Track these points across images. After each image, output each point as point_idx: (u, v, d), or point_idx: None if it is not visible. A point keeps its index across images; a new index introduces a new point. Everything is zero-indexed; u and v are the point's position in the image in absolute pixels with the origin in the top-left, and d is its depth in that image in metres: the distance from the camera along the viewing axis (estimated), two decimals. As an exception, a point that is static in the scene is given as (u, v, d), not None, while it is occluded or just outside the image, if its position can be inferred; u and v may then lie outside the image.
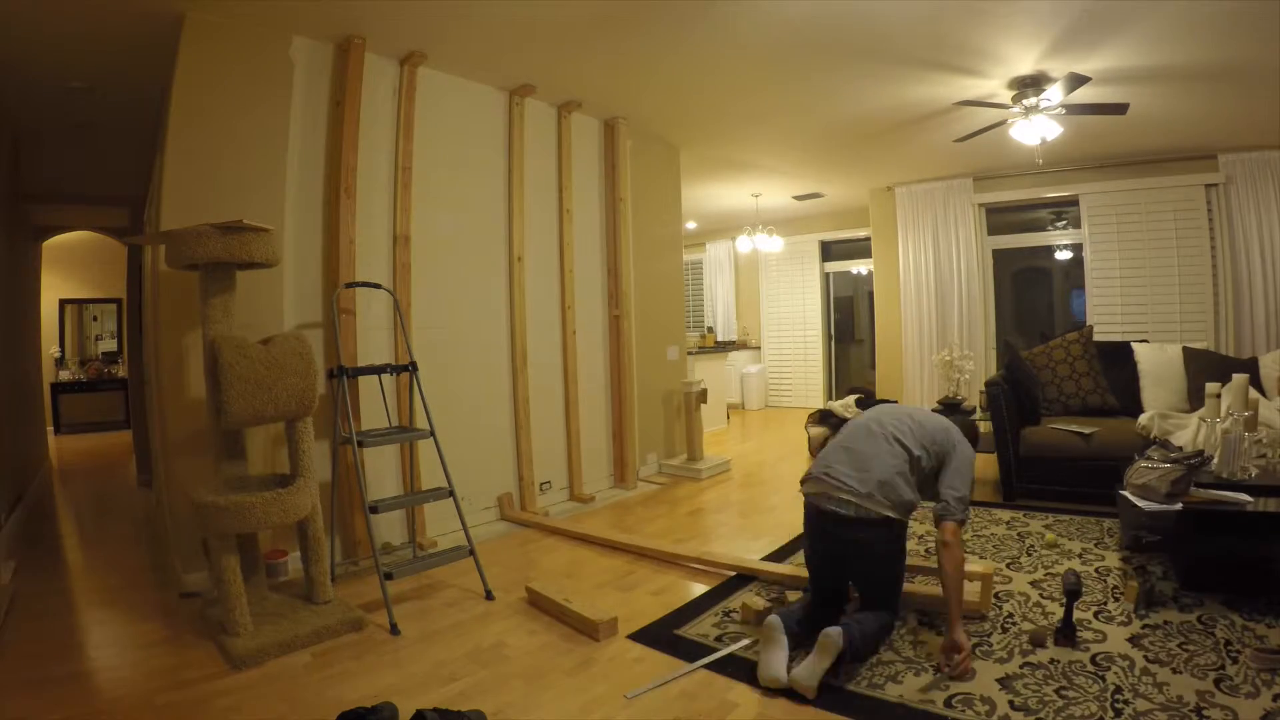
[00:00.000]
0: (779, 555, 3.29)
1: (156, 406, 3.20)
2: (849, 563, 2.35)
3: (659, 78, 4.04)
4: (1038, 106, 4.01)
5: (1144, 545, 2.97)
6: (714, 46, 3.57)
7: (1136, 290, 5.82)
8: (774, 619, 2.16)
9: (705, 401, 5.36)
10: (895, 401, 3.49)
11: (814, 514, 2.39)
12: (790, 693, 2.01)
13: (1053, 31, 3.37)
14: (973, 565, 2.55)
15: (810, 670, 2.00)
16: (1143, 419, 3.79)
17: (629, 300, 4.78)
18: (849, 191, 7.35)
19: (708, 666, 2.21)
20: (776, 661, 2.07)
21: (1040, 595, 2.66)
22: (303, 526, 2.67)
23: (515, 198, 4.12)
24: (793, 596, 2.70)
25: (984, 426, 4.72)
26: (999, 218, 6.72)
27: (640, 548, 3.38)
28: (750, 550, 3.38)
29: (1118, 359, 4.56)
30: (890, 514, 2.25)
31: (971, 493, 2.39)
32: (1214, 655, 2.11)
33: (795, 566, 3.04)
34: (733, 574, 3.05)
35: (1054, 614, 2.48)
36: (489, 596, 2.85)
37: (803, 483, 2.51)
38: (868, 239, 7.55)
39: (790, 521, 3.87)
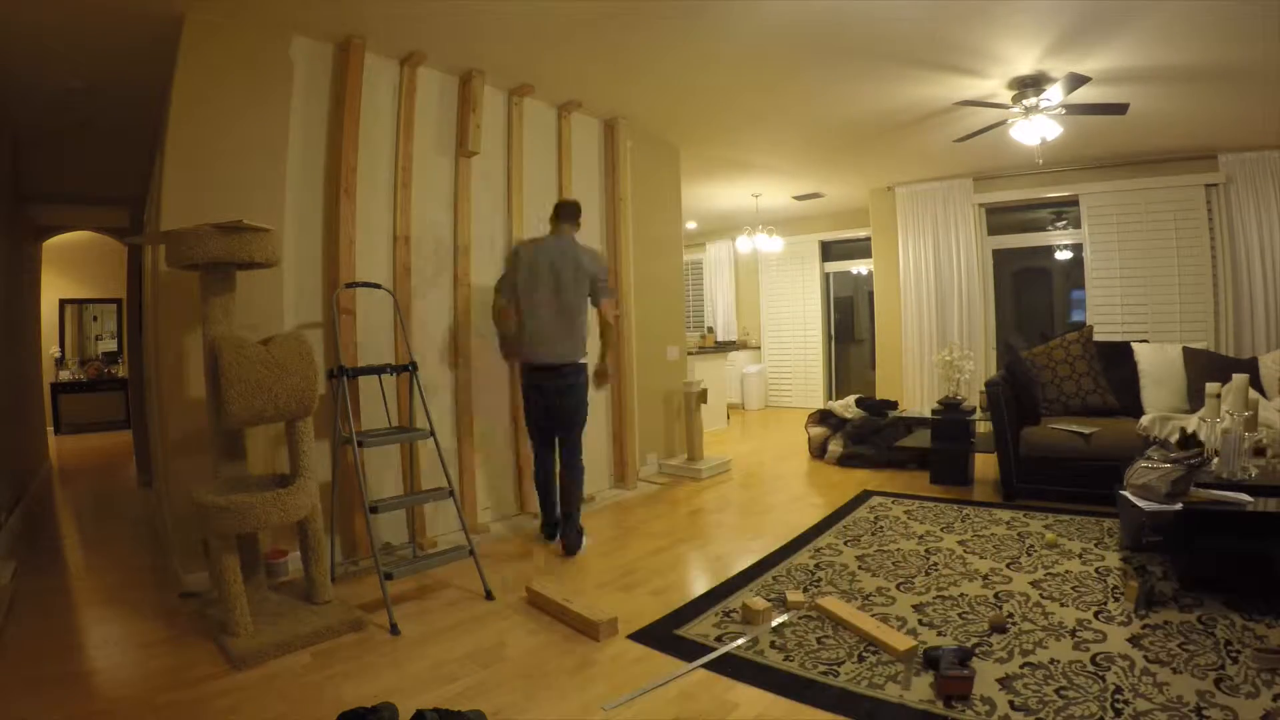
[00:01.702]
0: (780, 555, 3.29)
1: (156, 406, 3.20)
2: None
3: (659, 77, 4.04)
4: (1038, 106, 4.01)
5: (1144, 545, 2.97)
6: (714, 46, 3.57)
7: (1136, 290, 5.82)
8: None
9: (705, 402, 5.36)
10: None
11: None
12: (787, 689, 2.02)
13: (1053, 31, 3.37)
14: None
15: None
16: (1144, 420, 3.79)
17: (629, 300, 4.78)
18: (849, 191, 7.35)
19: (706, 666, 2.21)
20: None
21: (1040, 595, 2.66)
22: (303, 526, 2.67)
23: (515, 197, 4.12)
24: (793, 596, 2.70)
25: (984, 426, 4.72)
26: (999, 218, 6.72)
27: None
28: (750, 550, 3.38)
29: (1118, 359, 4.56)
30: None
31: None
32: (1214, 655, 2.11)
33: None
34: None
35: (1053, 614, 2.48)
36: (489, 596, 2.85)
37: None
38: (868, 239, 7.56)
39: (791, 521, 3.87)
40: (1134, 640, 2.24)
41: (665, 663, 2.26)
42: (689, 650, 2.33)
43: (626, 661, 2.29)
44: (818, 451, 5.65)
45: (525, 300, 3.42)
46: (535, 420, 3.59)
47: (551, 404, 3.48)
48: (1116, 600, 2.58)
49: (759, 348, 9.28)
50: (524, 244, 3.56)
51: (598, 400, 4.69)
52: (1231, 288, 5.42)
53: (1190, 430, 3.28)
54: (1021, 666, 2.11)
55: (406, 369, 3.28)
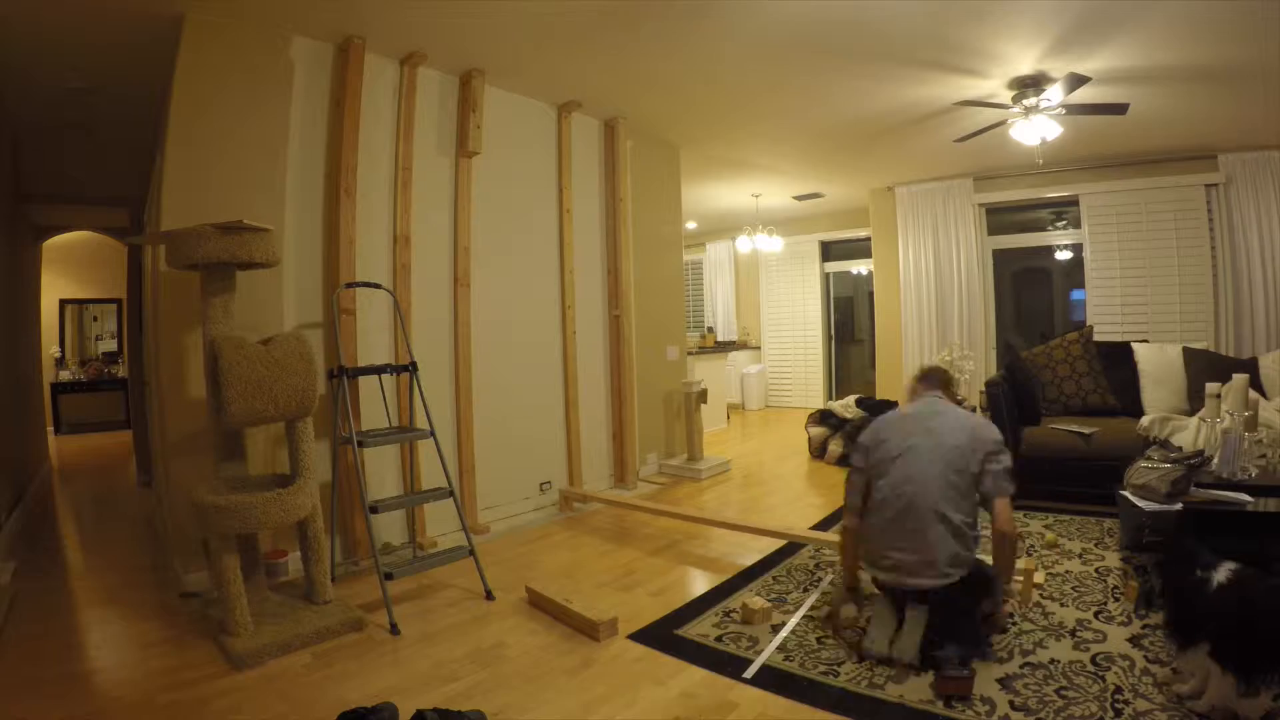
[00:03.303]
0: (779, 556, 3.29)
1: (156, 406, 3.20)
2: None
3: (659, 78, 4.03)
4: (1038, 106, 4.01)
5: (1144, 545, 2.97)
6: (714, 46, 3.57)
7: (1136, 290, 5.82)
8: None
9: (705, 401, 5.36)
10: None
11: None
12: (787, 688, 2.02)
13: (1053, 31, 3.37)
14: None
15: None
16: (1144, 421, 3.79)
17: (629, 300, 4.78)
18: (849, 191, 7.35)
19: (710, 668, 2.21)
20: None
21: (1040, 595, 2.66)
22: (303, 526, 2.67)
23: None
24: (793, 598, 2.70)
25: (984, 426, 4.71)
26: (999, 218, 6.72)
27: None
28: (750, 550, 3.38)
29: (1118, 359, 4.56)
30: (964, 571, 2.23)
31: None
32: (1214, 655, 2.11)
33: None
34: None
35: (1054, 614, 2.48)
36: (489, 596, 2.85)
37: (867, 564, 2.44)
38: (868, 239, 7.55)
39: (791, 521, 3.86)
40: (1134, 640, 2.24)
41: (665, 663, 2.26)
42: (689, 650, 2.33)
43: (627, 661, 2.29)
44: (818, 451, 5.65)
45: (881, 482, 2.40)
46: None
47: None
48: (1116, 600, 2.58)
49: (759, 348, 9.28)
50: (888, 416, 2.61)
51: (598, 400, 4.69)
52: (1231, 288, 5.42)
53: (1180, 446, 3.28)
54: (1021, 666, 2.11)
55: (406, 369, 3.28)
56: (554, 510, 4.22)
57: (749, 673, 2.16)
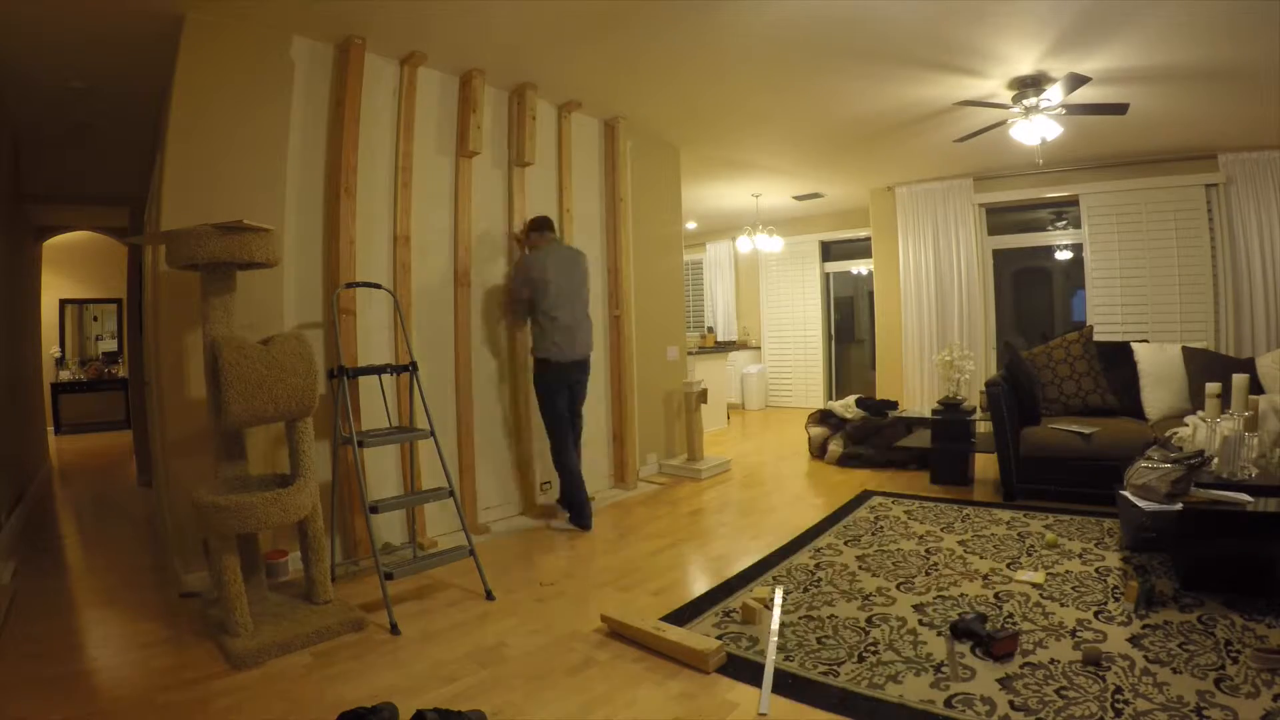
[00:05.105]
0: (780, 555, 3.29)
1: (156, 406, 3.20)
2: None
3: (659, 78, 4.04)
4: (1038, 106, 4.01)
5: (1144, 545, 2.97)
6: (714, 46, 3.57)
7: (1136, 290, 5.82)
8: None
9: (705, 401, 5.36)
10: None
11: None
12: (787, 688, 2.02)
13: (1053, 31, 3.37)
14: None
15: None
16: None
17: (629, 300, 4.78)
18: (849, 191, 7.35)
19: (719, 671, 2.21)
20: None
21: (1040, 596, 2.66)
22: (303, 526, 2.67)
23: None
24: (794, 598, 2.70)
25: (984, 427, 4.72)
26: (999, 218, 6.72)
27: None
28: (750, 550, 3.38)
29: (1118, 359, 4.56)
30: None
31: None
32: (1214, 655, 2.11)
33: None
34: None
35: (1054, 614, 2.48)
36: (489, 596, 2.85)
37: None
38: (868, 239, 7.55)
39: (791, 521, 3.87)
40: (1134, 640, 2.24)
41: (665, 663, 2.26)
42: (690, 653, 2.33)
43: (627, 661, 2.29)
44: (818, 451, 5.65)
45: (550, 302, 3.73)
46: (560, 413, 3.85)
47: (576, 394, 3.95)
48: (1116, 600, 2.58)
49: (759, 348, 9.28)
50: (536, 252, 3.86)
51: (598, 400, 4.69)
52: (1231, 288, 5.42)
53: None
54: (1021, 666, 2.11)
55: (406, 369, 3.28)
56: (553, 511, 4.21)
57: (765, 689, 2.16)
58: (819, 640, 2.37)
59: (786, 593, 2.80)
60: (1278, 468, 2.94)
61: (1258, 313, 5.32)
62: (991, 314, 6.65)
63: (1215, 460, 2.92)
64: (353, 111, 3.32)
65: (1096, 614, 2.47)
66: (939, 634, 2.37)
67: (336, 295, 3.19)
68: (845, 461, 5.36)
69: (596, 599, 2.82)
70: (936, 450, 4.67)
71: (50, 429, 7.52)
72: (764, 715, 1.93)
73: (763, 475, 5.26)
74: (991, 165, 6.19)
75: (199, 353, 2.84)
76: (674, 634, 2.33)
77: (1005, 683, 2.01)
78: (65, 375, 8.06)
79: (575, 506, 3.84)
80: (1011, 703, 1.90)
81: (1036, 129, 4.13)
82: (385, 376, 3.33)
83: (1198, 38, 3.41)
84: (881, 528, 3.68)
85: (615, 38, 3.45)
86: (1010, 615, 2.49)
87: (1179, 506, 2.62)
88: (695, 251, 9.56)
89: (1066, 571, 2.91)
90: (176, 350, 2.93)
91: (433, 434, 3.10)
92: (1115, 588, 2.70)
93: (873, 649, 2.29)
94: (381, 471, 3.46)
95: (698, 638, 2.31)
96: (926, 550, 3.27)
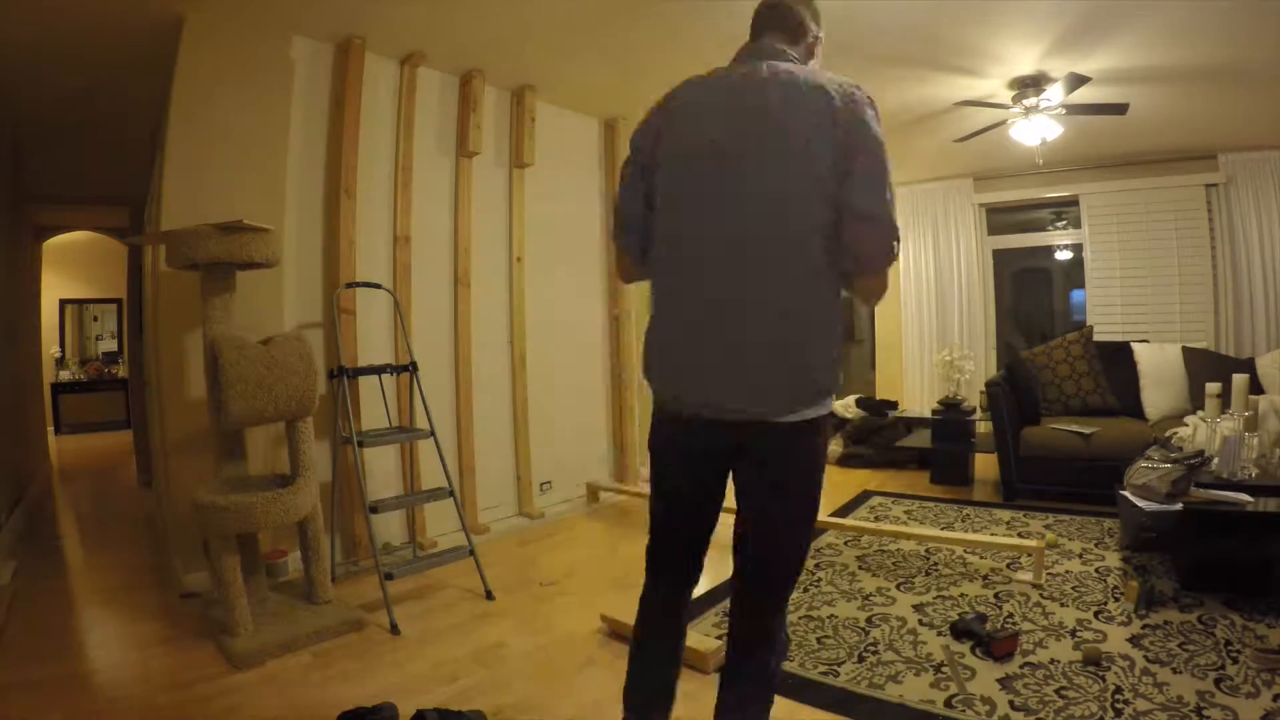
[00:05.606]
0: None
1: (156, 406, 3.20)
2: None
3: (659, 77, 3.99)
4: (1038, 106, 4.01)
5: (1144, 545, 2.97)
6: (714, 46, 3.56)
7: (1136, 290, 5.81)
8: None
9: (705, 401, 5.35)
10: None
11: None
12: (787, 688, 2.01)
13: (1053, 31, 3.37)
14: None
15: None
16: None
17: (630, 300, 4.78)
18: (849, 191, 7.34)
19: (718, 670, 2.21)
20: None
21: (1041, 596, 2.66)
22: (303, 526, 2.67)
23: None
24: (793, 598, 2.70)
25: (984, 426, 4.72)
26: (999, 218, 6.71)
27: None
28: (750, 550, 3.38)
29: (1118, 359, 4.56)
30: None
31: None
32: (1214, 655, 2.11)
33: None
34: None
35: (1054, 614, 2.48)
36: (489, 596, 2.85)
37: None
38: (868, 239, 7.54)
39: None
40: (1134, 640, 2.24)
41: (665, 663, 2.25)
42: (689, 651, 2.33)
43: (627, 661, 2.28)
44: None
45: (665, 230, 1.42)
46: (670, 516, 1.56)
47: (753, 497, 1.41)
48: (1116, 600, 2.58)
49: (759, 348, 9.26)
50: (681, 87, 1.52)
51: (598, 400, 4.69)
52: (1231, 288, 5.42)
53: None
54: (1021, 666, 2.11)
55: (407, 369, 3.28)
56: (555, 510, 4.21)
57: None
58: (819, 640, 2.37)
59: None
60: (1278, 468, 2.94)
61: (1258, 313, 5.31)
62: (991, 314, 6.64)
63: (1215, 460, 2.92)
64: (353, 111, 3.32)
65: (1096, 614, 2.47)
66: (939, 634, 2.37)
67: (336, 295, 3.19)
68: (845, 461, 5.36)
69: (597, 599, 2.82)
70: (936, 450, 4.67)
71: (50, 429, 7.52)
72: None
73: (763, 475, 5.25)
74: (991, 165, 6.18)
75: (199, 353, 2.84)
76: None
77: (1005, 683, 2.01)
78: (65, 375, 8.06)
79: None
80: (1011, 703, 1.90)
81: (1036, 129, 4.13)
82: (385, 376, 3.33)
83: (1198, 38, 3.41)
84: (882, 527, 3.67)
85: (615, 37, 3.45)
86: (1010, 615, 2.49)
87: (1179, 506, 2.62)
88: (695, 251, 9.53)
89: (1066, 571, 2.91)
90: (176, 350, 2.93)
91: (433, 434, 3.10)
92: (1115, 588, 2.70)
93: (873, 649, 2.29)
94: (381, 471, 3.46)
95: (698, 638, 2.30)
96: (926, 550, 3.27)
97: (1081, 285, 6.17)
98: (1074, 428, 4.00)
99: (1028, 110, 4.05)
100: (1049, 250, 6.82)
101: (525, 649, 2.40)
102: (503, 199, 4.11)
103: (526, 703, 2.04)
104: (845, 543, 3.43)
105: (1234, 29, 3.29)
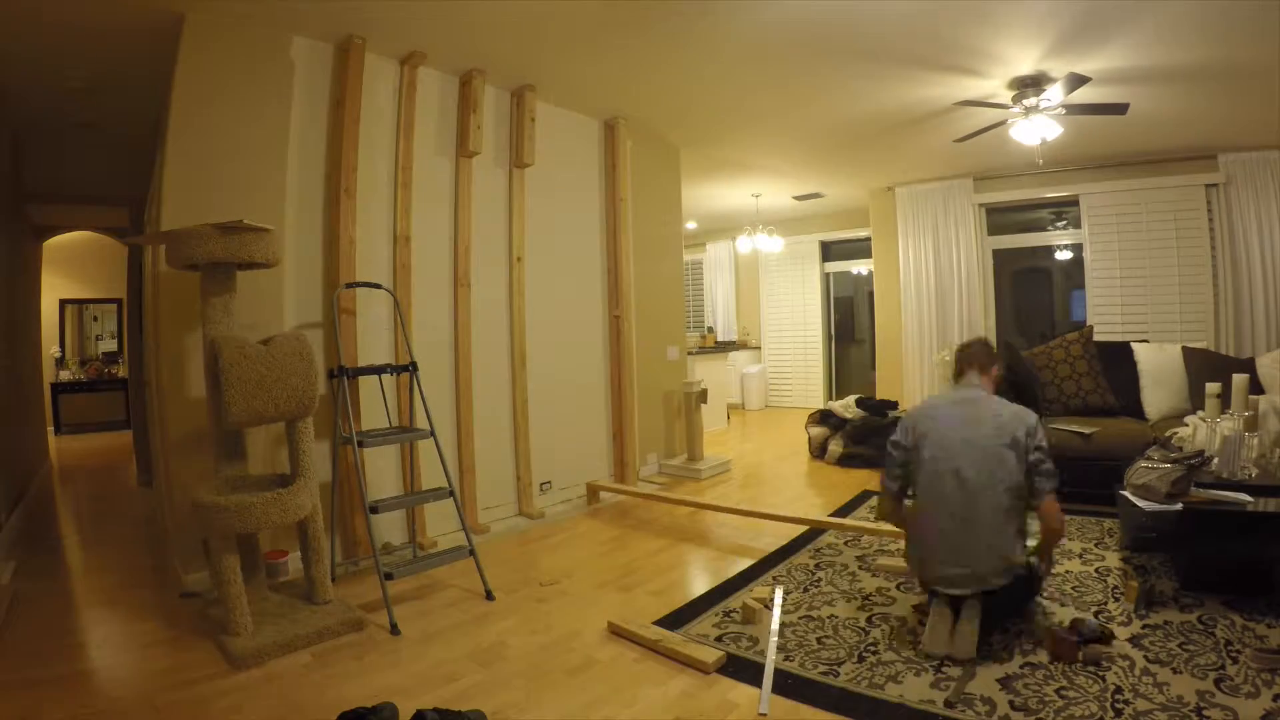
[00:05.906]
0: (780, 555, 3.29)
1: (156, 406, 3.20)
2: None
3: (659, 78, 4.03)
4: (1038, 106, 4.01)
5: (1144, 545, 2.97)
6: (715, 47, 3.57)
7: (1136, 290, 5.82)
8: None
9: (705, 401, 5.36)
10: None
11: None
12: (786, 688, 2.01)
13: (1053, 31, 3.37)
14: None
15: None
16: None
17: (629, 300, 4.78)
18: (849, 192, 7.35)
19: (720, 670, 2.21)
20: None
21: (1041, 596, 2.66)
22: (303, 526, 2.67)
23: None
24: (793, 598, 2.70)
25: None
26: (999, 218, 6.72)
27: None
28: (750, 550, 3.38)
29: (1118, 359, 4.56)
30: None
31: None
32: (1214, 655, 2.11)
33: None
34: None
35: (1054, 614, 2.48)
36: (489, 596, 2.85)
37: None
38: (868, 239, 7.55)
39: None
40: (1134, 640, 2.24)
41: (665, 663, 2.26)
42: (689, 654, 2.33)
43: (627, 661, 2.29)
44: (818, 451, 5.65)
45: (928, 468, 2.46)
46: None
47: None
48: (1116, 600, 2.58)
49: (759, 348, 9.27)
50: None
51: (598, 400, 4.69)
52: (1231, 288, 5.42)
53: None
54: (1021, 667, 2.11)
55: (407, 369, 3.28)
56: (555, 510, 4.21)
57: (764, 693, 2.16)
58: (819, 640, 2.37)
59: (786, 593, 2.80)
60: (1278, 468, 2.94)
61: (1258, 313, 5.32)
62: (991, 314, 6.65)
63: (1215, 460, 2.92)
64: (353, 111, 3.32)
65: (1096, 614, 2.46)
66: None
67: (336, 295, 3.19)
68: (845, 461, 5.36)
69: (597, 599, 2.82)
70: (936, 450, 4.66)
71: (50, 429, 7.52)
72: (764, 715, 1.93)
73: (763, 475, 5.25)
74: (991, 165, 6.19)
75: (199, 353, 2.84)
76: (676, 643, 2.33)
77: (1005, 683, 2.01)
78: (65, 375, 8.06)
79: None
80: (1012, 703, 1.90)
81: (1036, 129, 4.13)
82: (385, 376, 3.33)
83: (1198, 38, 3.41)
84: (882, 527, 3.67)
85: (616, 38, 3.45)
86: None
87: (1179, 506, 2.62)
88: (695, 251, 9.55)
89: (1066, 571, 2.90)
90: (176, 350, 2.93)
91: (433, 434, 3.10)
92: (1115, 588, 2.70)
93: (873, 649, 2.29)
94: (381, 471, 3.46)
95: (696, 646, 2.30)
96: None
97: (1081, 285, 6.17)
98: (1074, 427, 4.00)
99: (1028, 110, 4.05)
100: (1049, 250, 6.83)
101: (525, 649, 2.40)
102: (503, 199, 4.11)
103: (526, 702, 2.04)
104: (845, 543, 3.43)
105: (1234, 29, 3.29)
